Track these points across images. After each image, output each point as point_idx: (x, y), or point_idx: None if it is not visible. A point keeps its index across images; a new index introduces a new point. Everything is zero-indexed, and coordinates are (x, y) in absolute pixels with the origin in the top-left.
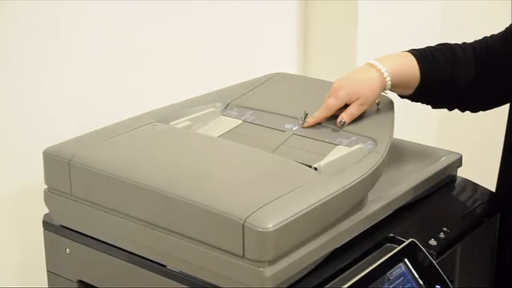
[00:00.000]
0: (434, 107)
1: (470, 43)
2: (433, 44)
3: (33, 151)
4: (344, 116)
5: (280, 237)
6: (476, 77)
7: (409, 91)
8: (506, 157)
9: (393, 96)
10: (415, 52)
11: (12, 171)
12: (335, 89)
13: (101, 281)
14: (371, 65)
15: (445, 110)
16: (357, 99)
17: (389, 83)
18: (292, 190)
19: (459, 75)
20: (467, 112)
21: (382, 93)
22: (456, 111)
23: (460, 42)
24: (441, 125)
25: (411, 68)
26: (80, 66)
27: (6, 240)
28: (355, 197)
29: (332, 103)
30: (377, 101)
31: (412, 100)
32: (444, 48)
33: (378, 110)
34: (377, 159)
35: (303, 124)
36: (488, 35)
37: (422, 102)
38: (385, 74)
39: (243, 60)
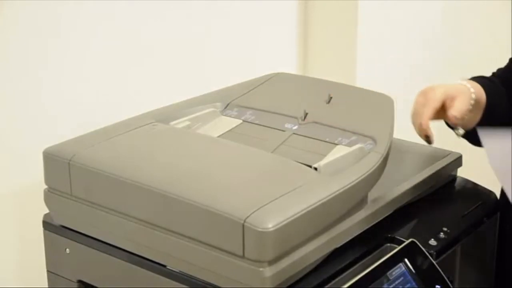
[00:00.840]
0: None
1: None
2: (433, 44)
3: (33, 151)
4: (454, 113)
5: (280, 237)
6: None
7: (477, 116)
8: None
9: (393, 96)
10: (477, 79)
11: (12, 171)
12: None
13: (101, 281)
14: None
15: None
16: (455, 97)
17: (473, 95)
18: (292, 190)
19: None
20: None
21: (385, 92)
22: None
23: (460, 42)
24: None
25: (480, 90)
26: (80, 66)
27: (6, 240)
28: (355, 197)
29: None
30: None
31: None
32: (499, 75)
33: (378, 110)
34: (377, 159)
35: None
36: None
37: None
38: (468, 85)
39: (243, 60)
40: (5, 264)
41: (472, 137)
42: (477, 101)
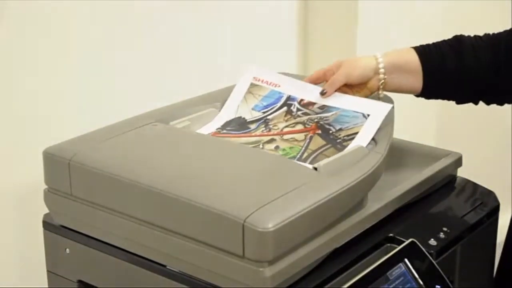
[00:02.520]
0: (457, 102)
1: (490, 33)
2: None
3: (33, 151)
4: (326, 85)
5: (280, 237)
6: (496, 64)
7: (416, 83)
8: None
9: (393, 96)
10: (415, 46)
11: (12, 171)
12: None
13: (101, 281)
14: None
15: (445, 110)
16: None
17: (380, 59)
18: (292, 190)
19: (469, 61)
20: (467, 112)
21: (386, 93)
22: (455, 109)
23: None
24: (441, 125)
25: (407, 53)
26: (80, 65)
27: (6, 240)
28: (355, 197)
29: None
30: (380, 93)
31: (428, 97)
32: (450, 38)
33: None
34: (377, 159)
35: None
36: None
37: (439, 97)
38: (378, 55)
39: (243, 60)
40: (5, 264)
41: (429, 95)
42: (393, 64)
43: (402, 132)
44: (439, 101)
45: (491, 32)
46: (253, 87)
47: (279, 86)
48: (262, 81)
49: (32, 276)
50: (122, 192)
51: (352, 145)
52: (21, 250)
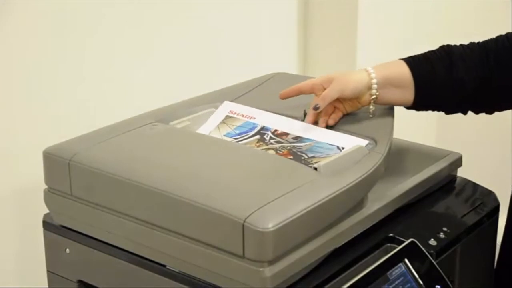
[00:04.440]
0: (447, 112)
1: (476, 42)
2: (433, 45)
3: (33, 151)
4: (318, 100)
5: (280, 237)
6: (486, 75)
7: (407, 96)
8: None
9: None
10: (405, 58)
11: (12, 171)
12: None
13: (101, 281)
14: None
15: None
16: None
17: (373, 75)
18: (292, 190)
19: (459, 73)
20: (467, 112)
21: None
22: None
23: (460, 42)
24: (441, 125)
25: (398, 67)
26: (80, 65)
27: (6, 240)
28: (355, 197)
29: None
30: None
31: (418, 109)
32: (438, 49)
33: (378, 110)
34: (377, 159)
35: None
36: (488, 36)
37: (429, 109)
38: (370, 70)
39: (243, 60)
40: (5, 264)
41: (420, 107)
42: (386, 78)
43: (402, 132)
44: None
45: (482, 37)
46: (227, 119)
47: (254, 118)
48: (238, 114)
49: (32, 276)
50: (122, 192)
51: (352, 145)
52: (21, 250)
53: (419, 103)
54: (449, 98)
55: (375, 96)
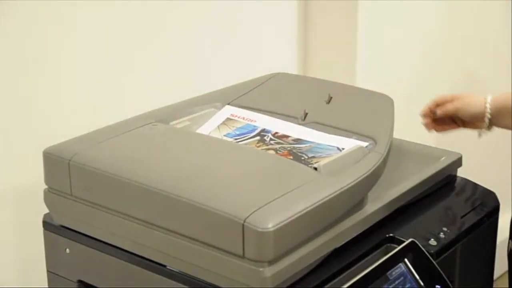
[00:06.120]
0: None
1: None
2: (433, 44)
3: (33, 151)
4: (438, 108)
5: (280, 237)
6: None
7: None
8: None
9: (393, 95)
10: None
11: (12, 171)
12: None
13: (101, 281)
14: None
15: None
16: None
17: (488, 105)
18: (292, 190)
19: None
20: None
21: (383, 93)
22: None
23: (460, 42)
24: None
25: (503, 99)
26: (80, 65)
27: (6, 240)
28: (355, 197)
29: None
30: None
31: None
32: None
33: (378, 110)
34: (377, 159)
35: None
36: (488, 36)
37: None
38: (488, 100)
39: (243, 60)
40: (5, 264)
41: None
42: (503, 111)
43: (402, 132)
44: None
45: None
46: (228, 121)
47: (255, 121)
48: (239, 117)
49: (32, 276)
50: (122, 192)
51: (352, 145)
52: (21, 250)
53: None
54: None
55: (488, 122)
